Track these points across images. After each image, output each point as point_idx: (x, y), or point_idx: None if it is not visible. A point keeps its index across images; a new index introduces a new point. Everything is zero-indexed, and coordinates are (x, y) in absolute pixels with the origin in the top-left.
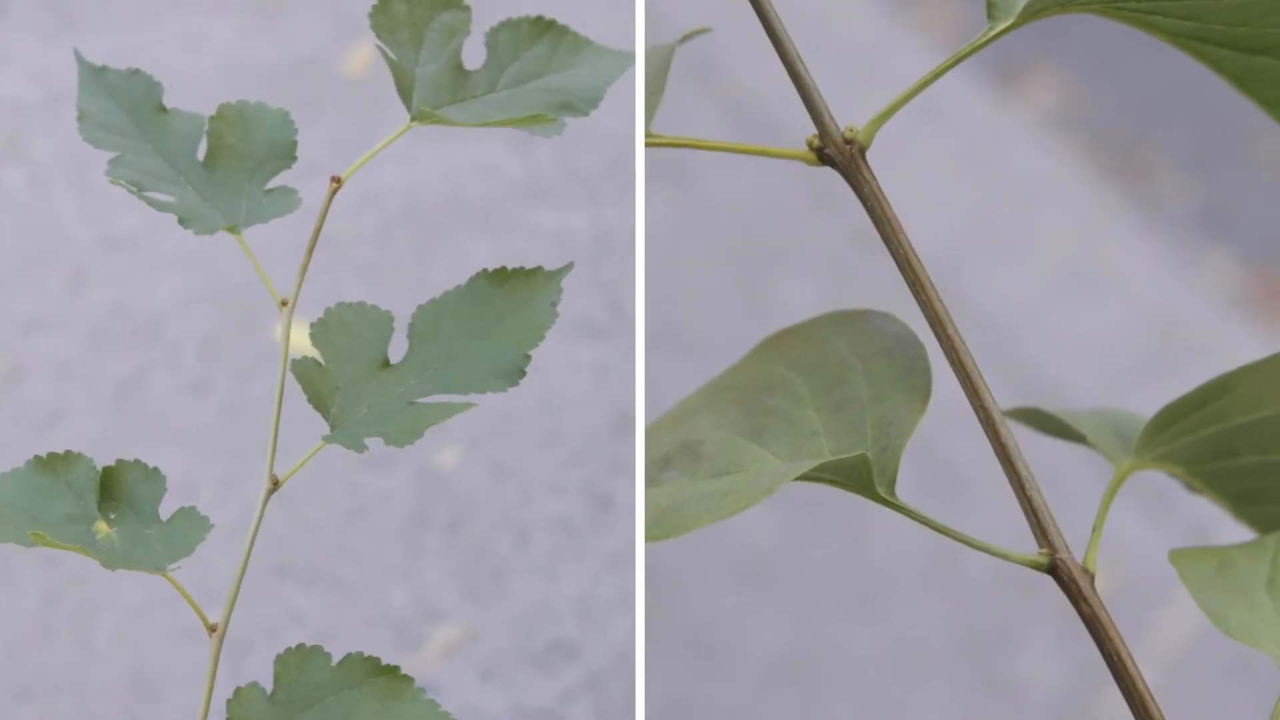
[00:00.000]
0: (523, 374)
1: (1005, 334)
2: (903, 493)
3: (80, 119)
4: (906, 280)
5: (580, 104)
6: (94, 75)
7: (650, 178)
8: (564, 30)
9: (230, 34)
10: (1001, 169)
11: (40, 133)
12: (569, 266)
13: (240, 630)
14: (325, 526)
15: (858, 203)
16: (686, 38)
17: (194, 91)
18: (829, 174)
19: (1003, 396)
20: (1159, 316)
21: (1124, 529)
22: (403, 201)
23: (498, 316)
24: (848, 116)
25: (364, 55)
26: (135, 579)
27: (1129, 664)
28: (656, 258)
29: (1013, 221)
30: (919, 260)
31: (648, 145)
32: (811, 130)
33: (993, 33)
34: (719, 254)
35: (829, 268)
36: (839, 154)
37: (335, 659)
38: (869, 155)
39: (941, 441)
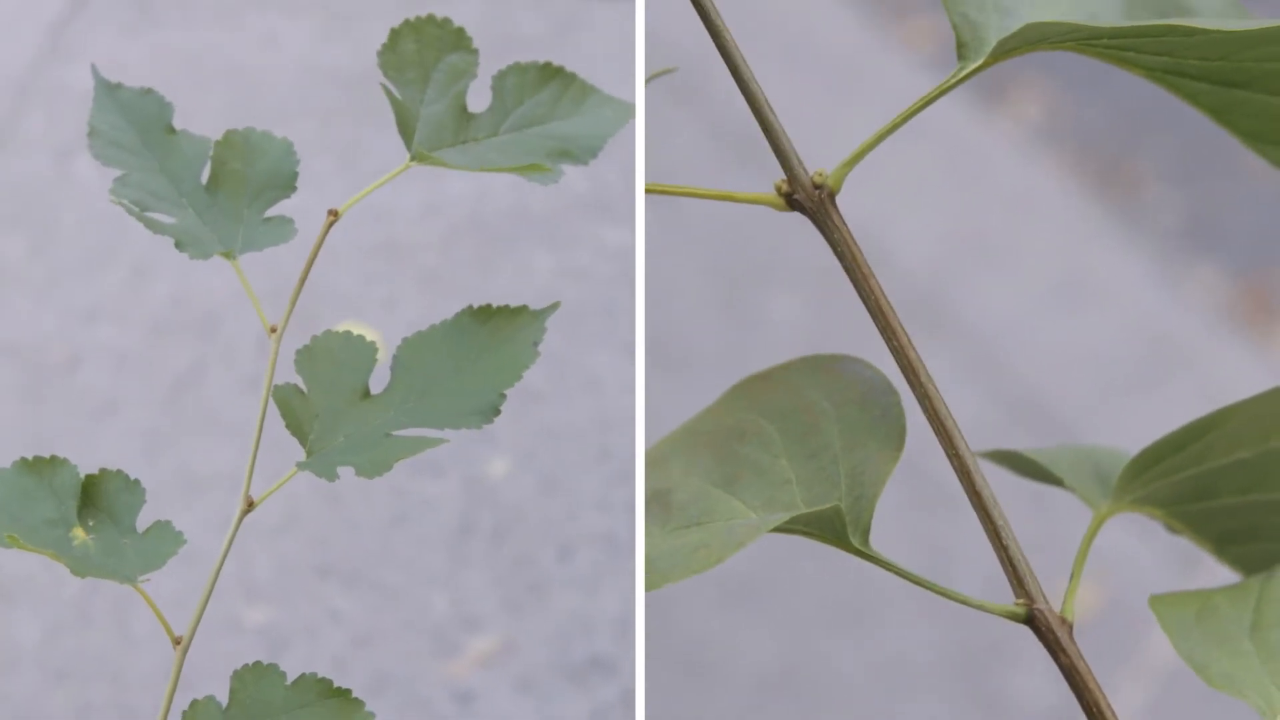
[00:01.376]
0: (497, 412)
1: (992, 347)
2: (890, 510)
3: (91, 135)
4: (878, 326)
5: (580, 153)
6: (108, 92)
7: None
8: (571, 78)
9: (305, 36)
10: (987, 182)
11: None
12: (554, 306)
13: (280, 627)
14: (370, 529)
15: (844, 216)
16: (654, 77)
17: (268, 92)
18: None
19: (990, 410)
20: (1146, 329)
21: (1112, 545)
22: (468, 210)
23: (479, 353)
24: (832, 135)
25: None
26: (177, 569)
27: (1109, 716)
28: (645, 273)
29: (999, 235)
30: (891, 307)
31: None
32: (801, 151)
33: (963, 73)
34: (705, 269)
35: (814, 283)
36: (808, 199)
37: (291, 676)
38: (850, 179)
39: (927, 458)
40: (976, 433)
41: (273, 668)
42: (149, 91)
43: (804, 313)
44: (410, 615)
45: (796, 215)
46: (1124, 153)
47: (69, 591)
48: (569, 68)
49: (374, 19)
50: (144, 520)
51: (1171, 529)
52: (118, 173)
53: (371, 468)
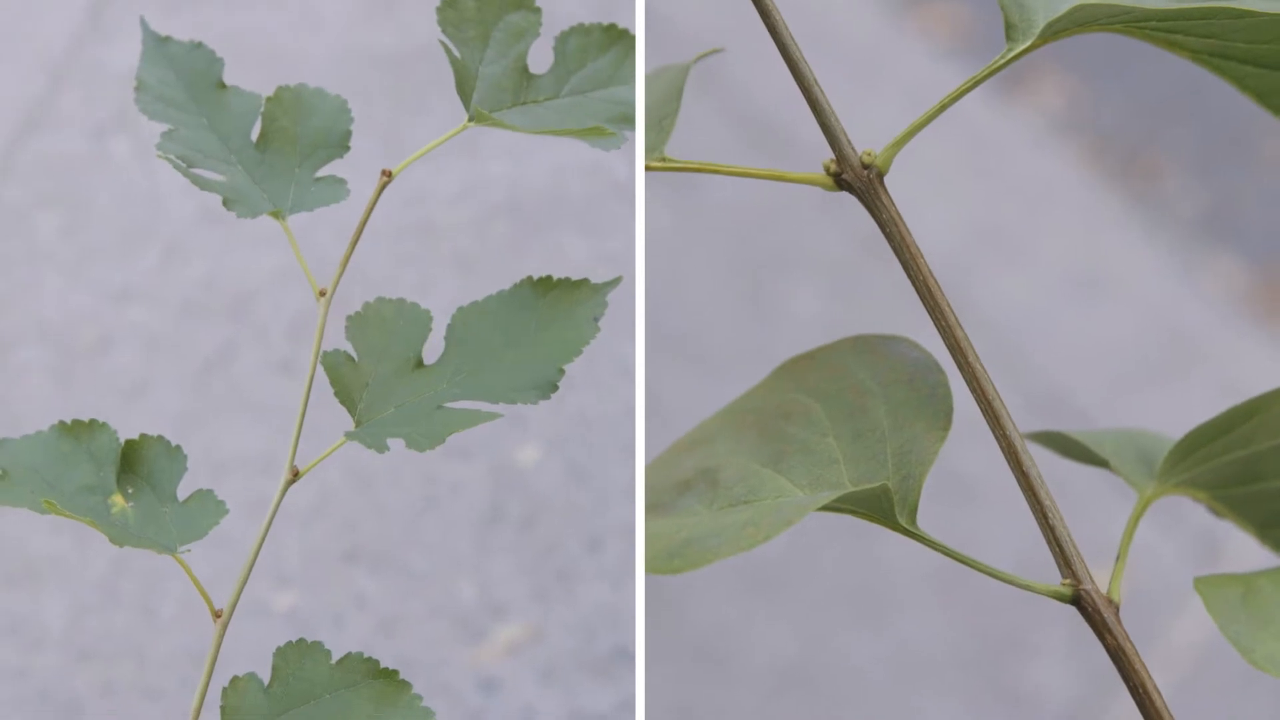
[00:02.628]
0: (555, 388)
1: (1011, 339)
2: None
3: (138, 89)
4: (926, 306)
5: None
6: (157, 46)
7: (655, 181)
8: (635, 41)
9: (347, 18)
10: (1007, 173)
11: None
12: (616, 280)
13: (307, 612)
14: (399, 514)
15: (865, 209)
16: (700, 58)
17: (308, 73)
18: None
19: (1009, 402)
20: (1165, 321)
21: (1136, 536)
22: (505, 194)
23: (538, 326)
24: (851, 123)
25: None
26: (208, 552)
27: (1155, 697)
28: (663, 265)
29: (1018, 225)
30: (939, 286)
31: (660, 169)
32: (810, 135)
33: (1011, 54)
34: (725, 260)
35: (836, 274)
36: (857, 179)
37: (335, 656)
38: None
39: (950, 450)
40: None
41: (317, 645)
42: (199, 45)
43: (827, 304)
44: (437, 602)
45: (817, 207)
46: (1143, 144)
47: (96, 572)
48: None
49: (415, 1)
50: (181, 493)
51: (1215, 512)
52: (164, 128)
53: (423, 440)
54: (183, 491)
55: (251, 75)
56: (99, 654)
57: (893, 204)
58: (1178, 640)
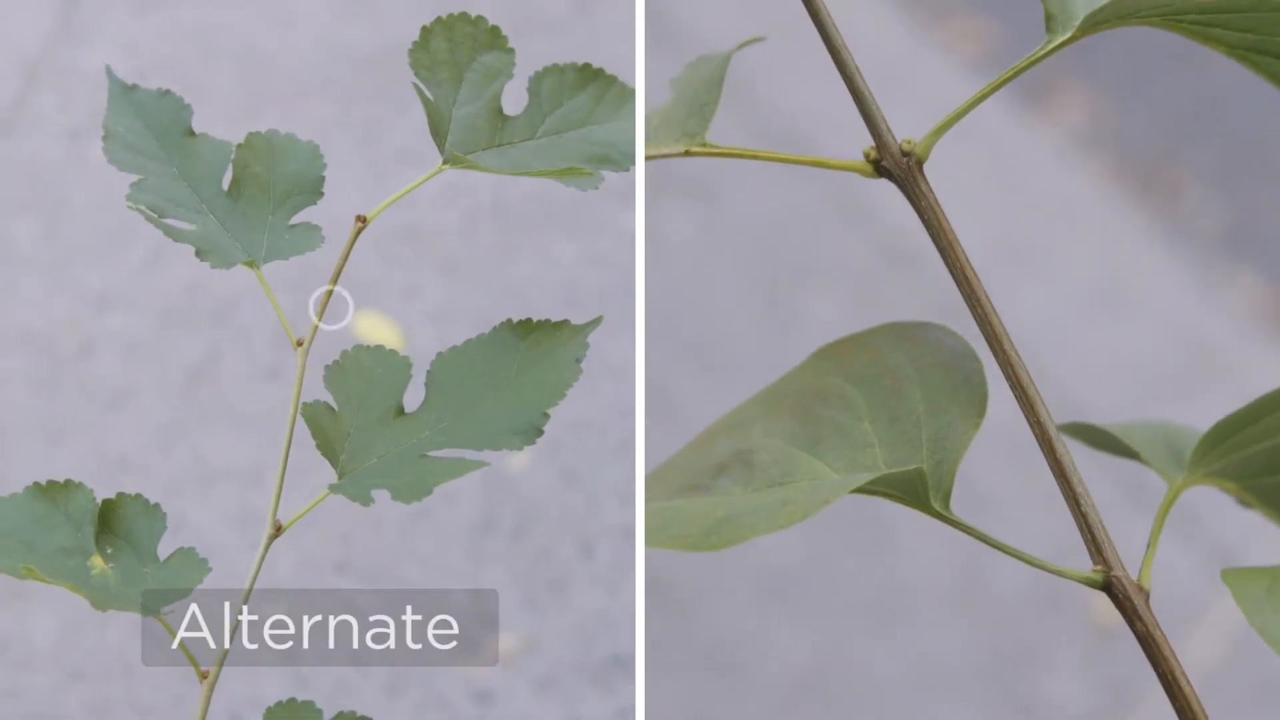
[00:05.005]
0: (540, 432)
1: (1031, 353)
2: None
3: (106, 139)
4: (963, 294)
5: (620, 158)
6: (124, 94)
7: (676, 192)
8: (610, 80)
9: (323, 13)
10: (1028, 187)
11: None
12: (597, 321)
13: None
14: (389, 525)
15: (884, 218)
16: (741, 46)
17: (284, 71)
18: (855, 188)
19: None
20: (1186, 335)
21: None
22: (491, 195)
23: (519, 370)
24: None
25: None
26: None
27: (1184, 684)
28: (682, 273)
29: (1039, 240)
30: (976, 275)
31: (702, 154)
32: (831, 147)
33: (1051, 45)
34: (744, 269)
35: (855, 283)
36: (896, 166)
37: (328, 715)
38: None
39: (967, 459)
40: (1014, 437)
41: (308, 705)
42: (167, 93)
43: (846, 314)
44: None
45: (837, 217)
46: (1165, 159)
47: None
48: (592, 49)
49: None
50: (166, 508)
51: (1243, 503)
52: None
53: (408, 491)
54: (164, 549)
55: (226, 75)
56: (90, 673)
57: (931, 192)
58: (1195, 652)
